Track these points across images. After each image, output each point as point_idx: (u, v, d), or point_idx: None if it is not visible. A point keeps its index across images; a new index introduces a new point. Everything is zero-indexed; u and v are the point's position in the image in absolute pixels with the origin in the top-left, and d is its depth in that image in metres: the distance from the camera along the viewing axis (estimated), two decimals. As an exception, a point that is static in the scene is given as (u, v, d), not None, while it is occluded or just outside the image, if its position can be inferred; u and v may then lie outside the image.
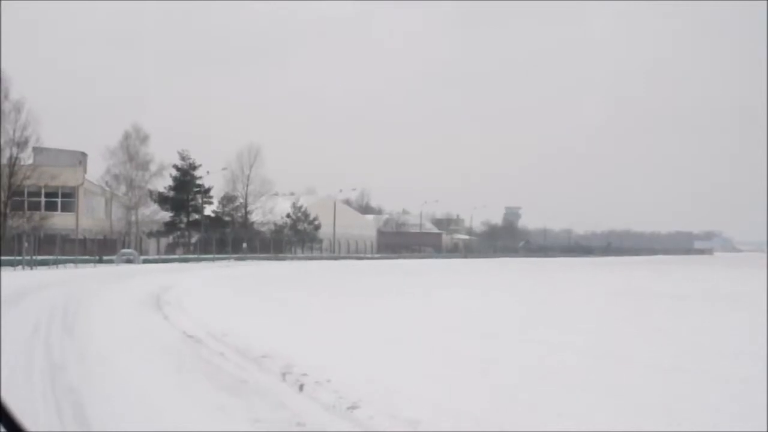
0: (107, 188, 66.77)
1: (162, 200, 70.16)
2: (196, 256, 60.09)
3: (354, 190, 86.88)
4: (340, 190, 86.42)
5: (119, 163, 68.00)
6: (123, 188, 68.28)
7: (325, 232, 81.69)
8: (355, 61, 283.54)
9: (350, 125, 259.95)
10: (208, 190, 71.65)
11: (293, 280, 32.63)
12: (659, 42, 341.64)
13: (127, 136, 68.69)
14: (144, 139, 69.28)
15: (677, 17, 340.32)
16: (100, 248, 52.36)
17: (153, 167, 68.70)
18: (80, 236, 53.19)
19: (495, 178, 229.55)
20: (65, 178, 57.93)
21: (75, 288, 24.50)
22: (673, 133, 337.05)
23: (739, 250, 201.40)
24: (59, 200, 59.04)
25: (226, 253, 63.38)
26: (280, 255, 68.39)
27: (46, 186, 55.42)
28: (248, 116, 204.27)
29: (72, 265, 45.08)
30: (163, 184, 70.02)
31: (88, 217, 62.00)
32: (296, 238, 76.38)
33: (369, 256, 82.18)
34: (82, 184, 61.17)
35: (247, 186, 76.08)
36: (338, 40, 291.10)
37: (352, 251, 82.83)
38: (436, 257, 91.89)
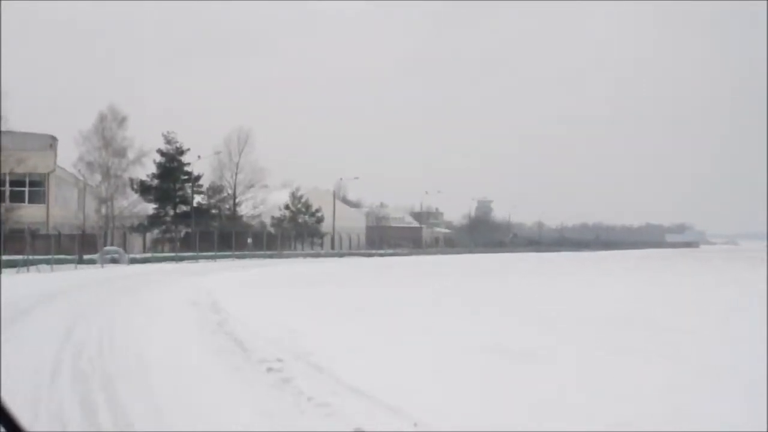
0: (81, 177, 56.08)
1: (144, 190, 59.78)
2: (193, 253, 49.91)
3: (356, 178, 76.13)
4: (341, 178, 75.37)
5: (93, 149, 57.21)
6: (98, 177, 57.47)
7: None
8: (333, 54, 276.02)
9: (325, 118, 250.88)
10: (198, 178, 61.44)
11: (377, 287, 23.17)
12: (633, 36, 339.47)
13: (102, 119, 58.04)
14: (121, 121, 58.81)
15: (653, 13, 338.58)
16: (79, 246, 42.10)
17: (131, 154, 58.37)
18: (53, 231, 42.85)
19: (464, 171, 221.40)
20: (34, 164, 48.06)
21: (72, 318, 14.68)
22: (643, 127, 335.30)
23: (713, 243, 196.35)
24: (27, 189, 49.16)
25: (219, 250, 53.06)
26: (285, 252, 58.43)
27: (11, 173, 45.97)
28: (223, 104, 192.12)
29: (46, 266, 35.01)
30: (143, 172, 59.70)
31: (60, 209, 51.78)
32: (296, 232, 65.69)
33: (377, 252, 72.42)
34: (54, 170, 51.01)
35: (236, 175, 65.66)
36: (319, 34, 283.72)
37: (354, 247, 72.85)
38: (452, 253, 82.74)
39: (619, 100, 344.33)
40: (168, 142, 61.36)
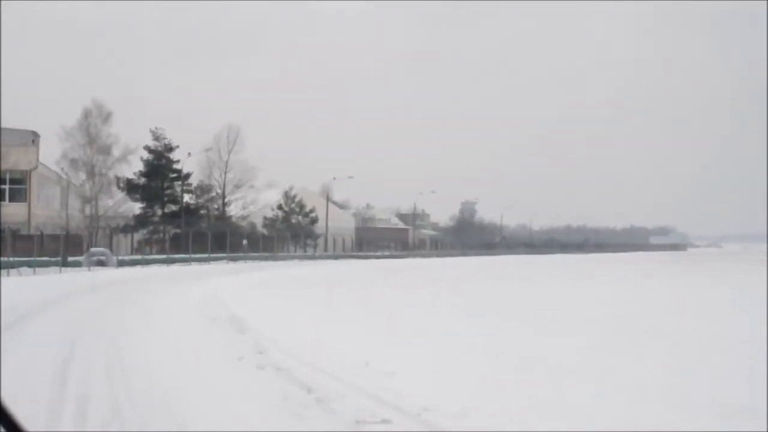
0: (64, 175, 52.68)
1: (131, 188, 56.38)
2: (184, 255, 46.60)
3: (351, 177, 72.37)
4: (334, 178, 71.56)
5: (77, 145, 53.69)
6: (82, 175, 54.03)
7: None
8: (328, 53, 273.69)
9: (313, 118, 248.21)
10: (187, 176, 58.11)
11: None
12: (619, 38, 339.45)
13: (86, 114, 54.43)
14: (107, 117, 55.36)
15: (641, 15, 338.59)
16: (63, 247, 38.85)
17: (117, 151, 54.82)
18: (35, 231, 39.57)
19: (450, 172, 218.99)
20: (15, 160, 45.08)
21: (65, 347, 11.61)
22: (628, 131, 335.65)
23: (696, 246, 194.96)
24: (7, 187, 46.23)
25: (211, 252, 49.78)
26: (280, 255, 55.23)
27: (-9, 170, 42.41)
28: (212, 103, 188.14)
29: (28, 269, 31.78)
30: (129, 170, 56.26)
31: (43, 209, 48.49)
32: (291, 233, 62.28)
33: (373, 255, 69.37)
34: (36, 168, 47.75)
35: (225, 174, 62.35)
36: (315, 33, 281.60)
37: (347, 249, 69.69)
38: (445, 255, 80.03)
39: (606, 104, 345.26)
40: (156, 138, 58.19)
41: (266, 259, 52.76)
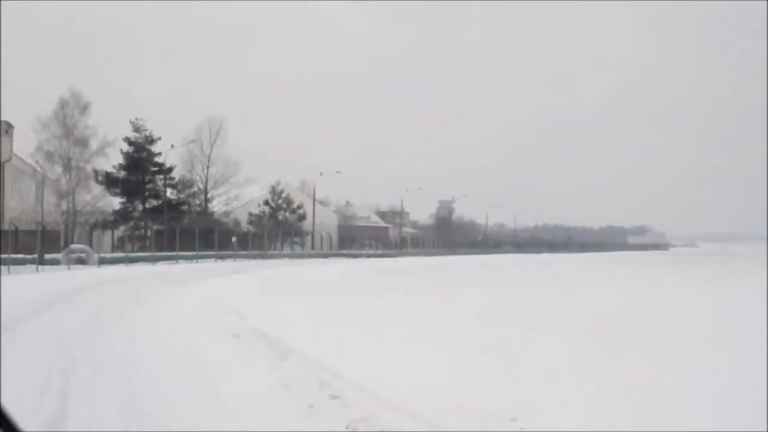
0: (39, 168, 49.43)
1: (110, 182, 53.12)
2: (170, 253, 43.38)
3: (338, 173, 69.15)
4: (321, 173, 68.12)
5: (53, 137, 50.35)
6: (58, 169, 50.73)
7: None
8: (310, 53, 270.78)
9: (292, 115, 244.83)
10: (170, 170, 54.96)
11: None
12: (595, 40, 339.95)
13: (62, 105, 51.04)
14: (84, 107, 52.09)
15: (620, 16, 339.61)
16: (40, 243, 35.61)
17: (95, 143, 51.53)
18: (9, 226, 36.32)
19: (425, 171, 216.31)
20: (-14, 152, 41.52)
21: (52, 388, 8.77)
22: (603, 131, 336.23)
23: (674, 245, 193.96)
24: (-22, 180, 42.61)
25: (194, 250, 46.58)
26: (268, 253, 52.18)
27: (-41, 161, 39.18)
28: (194, 95, 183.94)
29: (3, 267, 28.61)
30: (107, 163, 53.07)
31: (17, 203, 45.30)
32: (282, 230, 59.06)
33: (363, 254, 66.57)
34: (9, 159, 44.63)
35: (208, 168, 59.22)
36: (296, 34, 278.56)
37: (333, 247, 66.69)
38: (435, 254, 77.33)
39: (584, 107, 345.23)
40: (136, 129, 55.11)
41: (255, 257, 49.74)
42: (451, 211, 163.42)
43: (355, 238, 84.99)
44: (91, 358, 8.60)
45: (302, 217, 63.07)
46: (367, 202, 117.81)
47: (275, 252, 55.41)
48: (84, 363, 8.26)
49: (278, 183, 63.24)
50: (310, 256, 57.10)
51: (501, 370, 8.03)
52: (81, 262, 36.24)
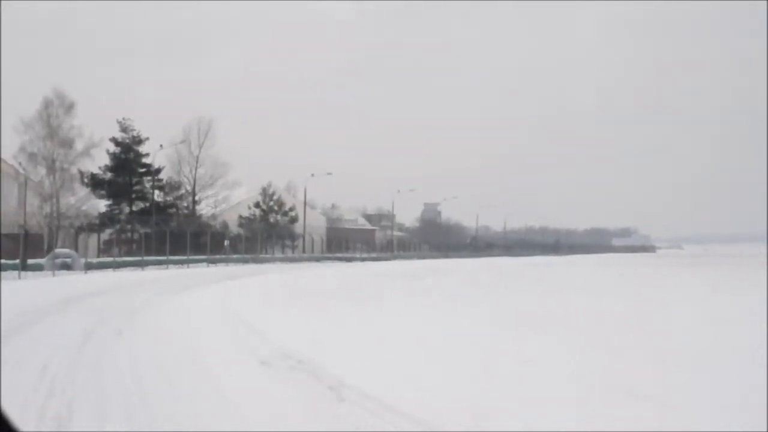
0: (22, 170, 47.14)
1: (96, 184, 50.81)
2: (160, 258, 41.11)
3: (329, 174, 66.48)
4: (312, 174, 65.49)
5: (37, 138, 48.10)
6: (41, 171, 48.53)
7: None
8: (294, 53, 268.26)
9: (278, 117, 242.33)
10: (158, 171, 52.69)
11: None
12: (585, 41, 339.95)
13: (47, 105, 48.78)
14: (69, 107, 49.93)
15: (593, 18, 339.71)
16: (23, 248, 33.34)
17: (80, 144, 49.21)
18: (-9, 230, 34.14)
19: (410, 173, 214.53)
20: (-33, 152, 39.29)
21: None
22: (586, 132, 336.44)
23: (659, 247, 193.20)
24: (-41, 183, 40.56)
25: (185, 254, 44.28)
26: (261, 257, 49.99)
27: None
28: (181, 95, 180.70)
29: (-19, 275, 26.32)
30: (93, 165, 50.79)
31: (-1, 206, 43.07)
32: (273, 233, 56.71)
33: (359, 257, 64.52)
34: (-7, 161, 42.50)
35: (196, 169, 56.92)
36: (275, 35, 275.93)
37: (323, 250, 64.53)
38: (429, 257, 75.31)
39: (569, 108, 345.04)
40: (123, 129, 52.88)
41: (247, 261, 47.57)
42: (436, 214, 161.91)
43: (342, 241, 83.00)
44: (89, 405, 6.55)
45: (294, 220, 60.89)
46: (353, 205, 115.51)
47: (268, 256, 53.25)
48: (81, 408, 6.23)
49: (269, 184, 61.02)
50: (302, 259, 54.99)
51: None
52: (66, 267, 34.00)
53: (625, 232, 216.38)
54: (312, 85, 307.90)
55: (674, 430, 5.39)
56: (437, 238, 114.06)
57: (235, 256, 48.26)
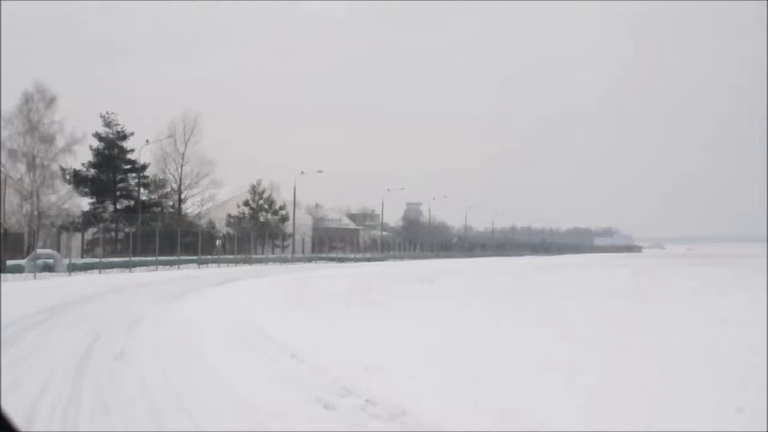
0: (1, 168, 44.59)
1: (79, 181, 48.12)
2: (149, 258, 38.50)
3: (320, 172, 63.65)
4: (302, 172, 62.44)
5: (16, 134, 45.44)
6: (21, 167, 45.87)
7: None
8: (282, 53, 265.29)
9: (260, 116, 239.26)
10: (144, 167, 50.03)
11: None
12: (569, 43, 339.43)
13: (27, 99, 45.95)
14: (50, 102, 47.15)
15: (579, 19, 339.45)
16: (2, 248, 30.70)
17: (62, 140, 46.37)
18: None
19: (393, 172, 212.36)
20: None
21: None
22: (568, 132, 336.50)
23: (643, 247, 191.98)
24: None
25: (176, 254, 41.64)
26: (253, 257, 47.44)
27: None
28: (165, 93, 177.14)
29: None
30: (75, 162, 48.20)
31: (-24, 205, 40.42)
32: (264, 232, 54.00)
33: (354, 258, 62.13)
34: (-33, 157, 39.83)
35: (182, 166, 54.18)
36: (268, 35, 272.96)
37: (308, 250, 61.95)
38: (421, 257, 73.07)
39: (549, 110, 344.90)
40: (107, 124, 50.12)
41: (239, 262, 45.05)
42: (418, 214, 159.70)
43: (327, 241, 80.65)
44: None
45: (285, 219, 58.30)
46: (336, 204, 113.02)
47: (261, 256, 50.73)
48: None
49: (259, 182, 58.22)
50: (295, 260, 52.52)
51: None
52: (48, 269, 31.41)
53: (607, 232, 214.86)
54: (305, 85, 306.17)
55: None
56: (421, 238, 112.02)
57: (225, 256, 45.66)
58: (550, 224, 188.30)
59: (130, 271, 34.46)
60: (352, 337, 10.76)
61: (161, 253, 40.16)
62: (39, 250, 33.74)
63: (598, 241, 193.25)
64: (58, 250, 36.99)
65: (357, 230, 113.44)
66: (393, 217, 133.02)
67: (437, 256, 79.10)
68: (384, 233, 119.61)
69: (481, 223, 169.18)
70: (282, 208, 58.33)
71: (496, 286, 24.49)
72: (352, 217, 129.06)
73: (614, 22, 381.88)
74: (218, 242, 46.53)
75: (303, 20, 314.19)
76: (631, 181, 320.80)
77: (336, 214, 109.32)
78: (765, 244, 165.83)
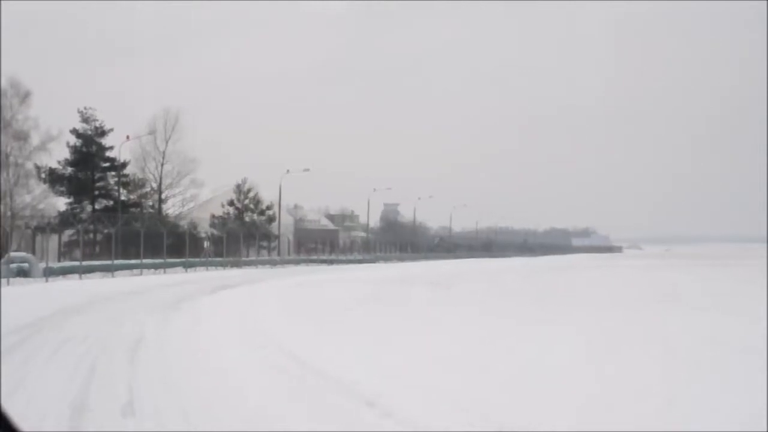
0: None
1: (55, 180, 45.15)
2: (133, 261, 35.52)
3: (306, 170, 60.59)
4: (287, 171, 59.21)
5: (-11, 131, 43.34)
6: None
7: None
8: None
9: (239, 117, 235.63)
10: (123, 165, 47.10)
11: None
12: (530, 45, 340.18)
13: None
14: (24, 97, 44.87)
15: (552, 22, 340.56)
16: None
17: (36, 137, 44.59)
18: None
19: (371, 172, 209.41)
20: None
21: None
22: (545, 133, 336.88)
23: (621, 248, 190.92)
24: None
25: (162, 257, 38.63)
26: (241, 260, 44.57)
27: None
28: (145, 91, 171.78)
29: None
30: (50, 160, 45.66)
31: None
32: (255, 233, 50.87)
33: (344, 260, 59.53)
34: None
35: (162, 165, 51.30)
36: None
37: (294, 251, 59.22)
38: (410, 259, 70.70)
39: (524, 108, 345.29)
40: (85, 120, 47.29)
41: (228, 265, 42.20)
42: (396, 214, 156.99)
43: (307, 242, 78.03)
44: None
45: (272, 219, 55.40)
46: (314, 205, 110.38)
47: (252, 258, 47.87)
48: None
49: (244, 181, 55.18)
50: (284, 262, 49.73)
51: None
52: (23, 273, 28.48)
53: (585, 233, 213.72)
54: (287, 85, 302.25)
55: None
56: (400, 239, 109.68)
57: (213, 259, 42.76)
58: (528, 225, 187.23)
59: (112, 276, 31.53)
60: (415, 363, 8.31)
61: (144, 256, 37.19)
62: (12, 254, 30.63)
63: (576, 242, 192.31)
64: (33, 253, 34.08)
65: (336, 231, 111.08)
66: (373, 218, 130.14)
67: (425, 258, 76.69)
68: (364, 234, 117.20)
69: (459, 224, 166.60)
70: (269, 207, 55.45)
71: (522, 291, 22.04)
72: (331, 217, 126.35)
73: (597, 24, 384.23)
74: (207, 244, 43.66)
75: (288, 19, 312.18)
76: (605, 182, 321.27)
77: (315, 215, 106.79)
78: (737, 245, 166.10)
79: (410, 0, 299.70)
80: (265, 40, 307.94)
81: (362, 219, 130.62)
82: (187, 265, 38.87)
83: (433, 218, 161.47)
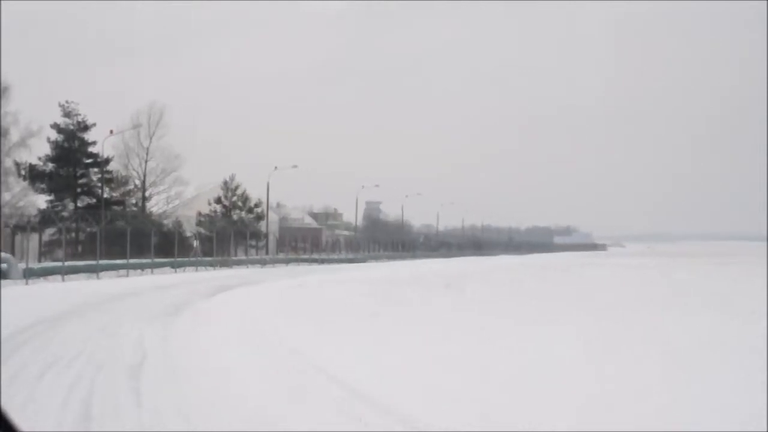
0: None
1: (35, 177, 43.07)
2: (119, 261, 33.46)
3: (295, 166, 58.41)
4: (275, 167, 57.00)
5: (-33, 127, 41.38)
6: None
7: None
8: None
9: (224, 116, 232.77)
10: (107, 162, 45.08)
11: None
12: (525, 46, 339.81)
13: (-24, 90, 41.60)
14: (3, 92, 42.43)
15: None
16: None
17: (15, 133, 41.94)
18: None
19: (349, 170, 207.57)
20: None
21: None
22: (527, 132, 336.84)
23: (606, 245, 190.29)
24: None
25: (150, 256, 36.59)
26: (231, 260, 42.65)
27: None
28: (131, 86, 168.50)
29: None
30: (30, 157, 43.60)
31: None
32: (238, 233, 48.81)
33: (336, 259, 57.85)
34: None
35: (146, 162, 49.24)
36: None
37: (278, 250, 57.39)
38: (402, 258, 69.24)
39: (509, 107, 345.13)
40: (67, 114, 45.17)
41: (217, 265, 40.29)
42: (378, 212, 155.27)
43: (292, 241, 76.21)
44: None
45: (261, 217, 53.50)
46: (298, 203, 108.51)
47: (242, 258, 45.97)
48: None
49: (232, 177, 53.15)
50: (274, 261, 47.87)
51: None
52: (1, 275, 26.47)
53: (567, 231, 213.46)
54: (287, 84, 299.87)
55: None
56: (383, 237, 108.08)
57: (203, 259, 40.82)
58: (511, 223, 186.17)
59: (98, 277, 29.55)
60: (456, 380, 6.81)
61: (130, 256, 35.21)
62: (-9, 254, 28.67)
63: (559, 240, 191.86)
64: (12, 253, 32.02)
65: (320, 229, 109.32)
66: (353, 217, 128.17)
67: (414, 257, 75.22)
68: (348, 233, 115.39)
69: (443, 222, 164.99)
70: (257, 205, 53.54)
71: (544, 293, 20.46)
72: (315, 216, 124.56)
73: (590, 24, 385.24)
74: (196, 243, 41.73)
75: (286, 19, 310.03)
76: (605, 182, 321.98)
77: (298, 213, 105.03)
78: (716, 243, 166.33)
79: (410, 0, 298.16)
80: (265, 40, 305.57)
81: (346, 217, 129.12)
82: (175, 265, 36.93)
83: (419, 216, 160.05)
